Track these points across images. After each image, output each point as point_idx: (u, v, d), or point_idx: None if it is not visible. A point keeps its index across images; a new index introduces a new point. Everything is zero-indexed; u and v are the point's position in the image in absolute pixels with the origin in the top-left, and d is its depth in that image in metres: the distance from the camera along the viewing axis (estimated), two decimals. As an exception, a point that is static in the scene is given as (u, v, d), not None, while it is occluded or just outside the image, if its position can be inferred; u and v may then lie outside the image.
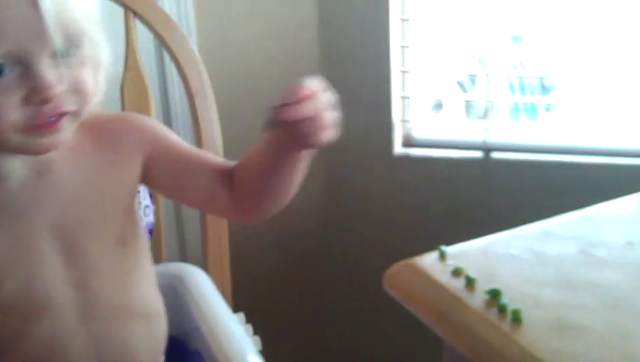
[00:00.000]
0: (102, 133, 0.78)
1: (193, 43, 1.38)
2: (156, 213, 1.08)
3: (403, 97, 1.54)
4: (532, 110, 1.80)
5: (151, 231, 1.06)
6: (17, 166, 0.72)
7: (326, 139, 0.73)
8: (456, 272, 0.84)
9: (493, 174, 1.48)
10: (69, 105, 0.68)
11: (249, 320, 1.04)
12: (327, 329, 1.66)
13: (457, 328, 0.79)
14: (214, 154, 1.13)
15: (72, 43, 0.67)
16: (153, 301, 0.85)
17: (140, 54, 1.11)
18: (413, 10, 1.49)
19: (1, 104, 0.64)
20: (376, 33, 1.46)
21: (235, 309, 1.07)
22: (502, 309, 0.78)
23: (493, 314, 0.78)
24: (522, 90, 1.83)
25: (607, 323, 0.75)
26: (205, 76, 1.12)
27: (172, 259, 1.27)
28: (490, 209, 1.43)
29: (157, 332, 0.85)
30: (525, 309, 0.77)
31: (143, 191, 1.02)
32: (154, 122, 0.85)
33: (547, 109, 1.76)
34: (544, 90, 1.82)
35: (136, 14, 1.09)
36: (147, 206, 1.04)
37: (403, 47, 1.51)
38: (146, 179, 0.82)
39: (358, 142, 1.53)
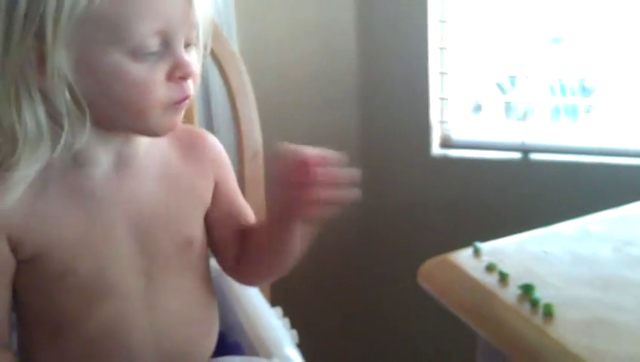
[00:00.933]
0: (182, 139, 0.82)
1: (234, 44, 1.42)
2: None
3: (441, 98, 1.55)
4: (572, 112, 1.79)
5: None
6: (102, 155, 0.75)
7: (314, 214, 0.73)
8: (490, 268, 0.86)
9: (531, 175, 1.48)
10: (193, 91, 0.74)
11: (286, 314, 1.06)
12: (362, 324, 1.68)
13: (490, 322, 0.80)
14: (254, 153, 1.17)
15: (195, 41, 0.73)
16: (210, 297, 0.88)
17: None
18: (452, 11, 1.50)
19: (151, 79, 0.70)
20: (414, 34, 1.48)
21: (273, 304, 1.10)
22: (534, 304, 0.79)
23: (525, 309, 0.79)
24: (563, 92, 1.83)
25: (636, 315, 0.75)
26: (246, 77, 1.15)
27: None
28: (528, 209, 1.43)
29: (211, 326, 0.89)
30: (557, 304, 0.78)
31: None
32: (224, 151, 0.88)
33: (588, 111, 1.75)
34: (585, 92, 1.81)
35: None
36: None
37: (441, 48, 1.52)
38: None
39: (397, 142, 1.55)
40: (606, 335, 0.74)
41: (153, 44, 0.69)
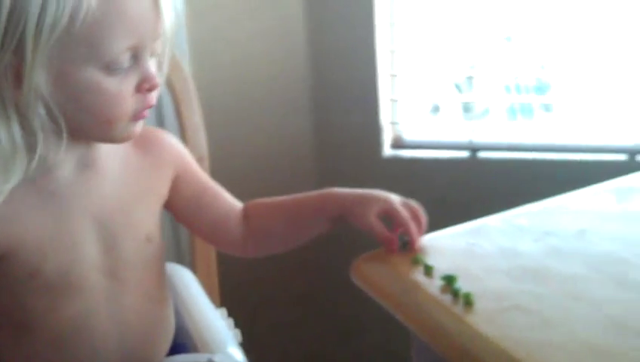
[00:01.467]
0: (142, 139, 0.85)
1: (184, 48, 1.44)
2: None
3: (392, 100, 1.58)
4: (528, 110, 1.83)
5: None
6: (67, 158, 0.78)
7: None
8: (416, 261, 0.88)
9: (478, 173, 1.51)
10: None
11: (231, 314, 1.08)
12: (308, 324, 1.71)
13: (415, 313, 0.83)
14: (199, 157, 1.19)
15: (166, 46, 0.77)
16: (167, 293, 0.93)
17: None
18: (401, 14, 1.53)
19: (123, 92, 0.73)
20: (363, 37, 1.51)
21: (221, 305, 1.12)
22: (455, 294, 0.81)
23: (447, 299, 0.82)
24: (518, 90, 1.86)
25: (550, 302, 0.78)
26: (190, 82, 1.18)
27: (169, 260, 1.32)
28: (477, 207, 1.46)
29: (169, 321, 0.93)
30: (478, 294, 0.81)
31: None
32: (182, 145, 0.94)
33: (545, 109, 1.78)
34: (540, 90, 1.85)
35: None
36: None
37: (391, 51, 1.55)
38: (169, 197, 0.90)
39: (349, 144, 1.58)
40: (522, 323, 0.76)
41: (125, 59, 0.72)
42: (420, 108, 1.71)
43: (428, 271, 0.86)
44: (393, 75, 1.57)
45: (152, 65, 0.76)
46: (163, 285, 0.91)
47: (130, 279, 0.85)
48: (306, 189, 1.63)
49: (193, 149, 1.17)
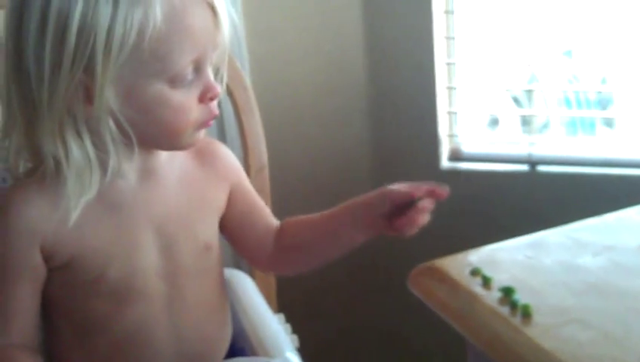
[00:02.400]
0: (197, 150, 0.87)
1: (245, 62, 1.47)
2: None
3: (450, 112, 1.58)
4: (589, 125, 1.81)
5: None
6: (127, 169, 0.80)
7: (411, 233, 0.86)
8: (474, 272, 0.89)
9: (538, 187, 1.50)
10: None
11: (289, 320, 1.10)
12: (363, 331, 1.72)
13: (473, 324, 0.84)
14: (260, 167, 1.21)
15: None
16: (224, 300, 0.94)
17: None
18: (460, 26, 1.54)
19: (188, 103, 0.76)
20: (421, 49, 1.52)
21: (278, 310, 1.14)
22: (513, 306, 0.82)
23: (505, 311, 0.82)
24: (579, 104, 1.84)
25: (610, 317, 0.78)
26: (251, 93, 1.20)
27: (226, 266, 1.35)
28: (534, 222, 1.45)
29: (225, 327, 0.94)
30: (536, 306, 0.81)
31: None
32: (237, 159, 0.96)
33: (607, 124, 1.76)
34: (601, 104, 1.82)
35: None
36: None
37: (449, 63, 1.56)
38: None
39: (406, 155, 1.58)
40: (583, 338, 0.76)
41: (189, 71, 0.75)
42: (479, 120, 1.70)
43: (486, 282, 0.87)
44: (451, 88, 1.57)
45: (211, 75, 0.78)
46: (221, 293, 0.93)
47: (188, 286, 0.86)
48: (362, 199, 1.65)
49: (254, 159, 1.20)
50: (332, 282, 1.65)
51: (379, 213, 0.86)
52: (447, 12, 1.52)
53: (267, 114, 1.22)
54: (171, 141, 0.79)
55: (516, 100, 1.81)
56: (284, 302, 1.22)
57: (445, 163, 1.58)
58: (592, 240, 0.94)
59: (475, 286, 0.87)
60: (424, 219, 0.85)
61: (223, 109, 1.46)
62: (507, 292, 0.84)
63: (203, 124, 0.80)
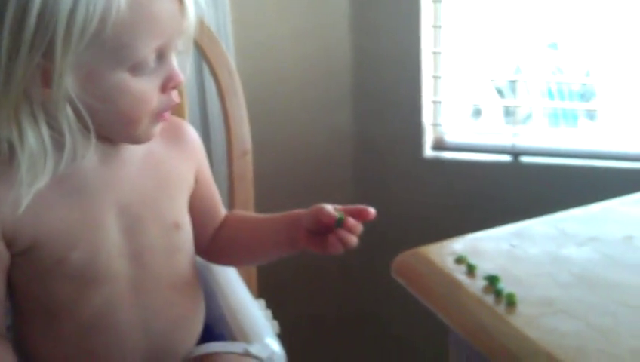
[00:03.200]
0: (165, 129, 0.85)
1: (230, 48, 1.46)
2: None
3: (434, 102, 1.58)
4: (572, 117, 1.81)
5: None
6: (87, 152, 0.78)
7: (337, 252, 0.85)
8: (459, 260, 0.88)
9: (520, 178, 1.50)
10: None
11: (269, 306, 1.09)
12: (347, 318, 1.73)
13: (457, 311, 0.83)
14: (243, 152, 1.20)
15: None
16: (195, 279, 0.93)
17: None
18: (446, 16, 1.53)
19: (148, 94, 0.74)
20: (407, 39, 1.51)
21: (259, 296, 1.13)
22: (498, 294, 0.81)
23: (489, 299, 0.81)
24: (561, 96, 1.85)
25: (595, 308, 0.78)
26: (236, 77, 1.19)
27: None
28: (517, 211, 1.45)
29: (197, 307, 0.93)
30: (521, 295, 0.81)
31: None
32: (198, 136, 0.94)
33: (589, 116, 1.77)
34: (584, 97, 1.83)
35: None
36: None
37: (435, 53, 1.55)
38: None
39: (390, 144, 1.58)
40: (567, 328, 0.76)
41: (152, 59, 0.73)
42: (463, 110, 1.70)
43: (471, 270, 0.86)
44: (436, 77, 1.57)
45: (175, 62, 0.77)
46: (192, 274, 0.91)
47: (156, 266, 0.85)
48: (345, 188, 1.65)
49: (237, 143, 1.19)
50: (314, 268, 1.65)
51: (306, 229, 0.86)
52: (434, 0, 1.51)
53: (251, 100, 1.21)
54: (128, 131, 0.77)
55: (499, 91, 1.82)
56: (265, 288, 1.21)
57: (429, 152, 1.58)
58: (578, 230, 0.94)
59: (460, 274, 0.87)
60: (352, 239, 0.85)
61: (207, 92, 1.45)
62: (492, 280, 0.83)
63: (160, 115, 0.78)
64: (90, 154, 0.78)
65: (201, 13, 0.78)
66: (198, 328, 0.93)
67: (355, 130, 1.60)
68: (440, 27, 1.54)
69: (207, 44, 1.18)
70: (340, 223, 0.84)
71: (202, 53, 1.19)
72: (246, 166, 1.20)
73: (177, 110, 1.17)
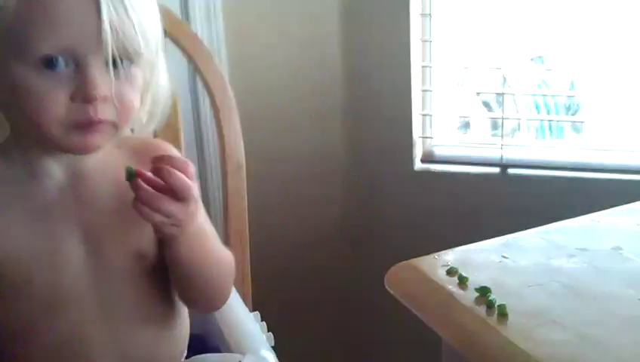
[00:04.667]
0: (137, 152, 0.82)
1: (224, 62, 1.47)
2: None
3: (424, 115, 1.60)
4: (558, 130, 1.84)
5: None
6: (55, 168, 0.77)
7: (153, 220, 0.74)
8: (451, 272, 0.90)
9: (509, 189, 1.53)
10: (110, 115, 0.73)
11: (264, 318, 1.10)
12: (341, 330, 1.74)
13: (449, 323, 0.85)
14: (237, 166, 1.21)
15: (127, 57, 0.72)
16: (172, 302, 0.88)
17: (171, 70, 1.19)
18: (436, 30, 1.56)
19: (51, 97, 0.70)
20: (397, 53, 1.53)
21: (254, 309, 1.14)
22: (490, 305, 0.83)
23: (481, 310, 0.83)
24: (547, 109, 1.87)
25: (585, 318, 0.80)
26: (230, 93, 1.20)
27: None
28: (506, 223, 1.47)
29: (177, 334, 0.89)
30: (512, 306, 0.83)
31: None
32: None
33: (575, 129, 1.80)
34: (569, 109, 1.86)
35: (165, 34, 1.18)
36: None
37: (424, 66, 1.57)
38: None
39: (380, 156, 1.60)
40: (557, 338, 0.78)
41: (58, 61, 0.70)
42: (452, 123, 1.73)
43: (462, 282, 0.88)
44: (426, 90, 1.59)
45: (105, 76, 0.71)
46: (168, 297, 0.87)
47: (124, 292, 0.82)
48: (337, 201, 1.67)
49: (232, 158, 1.20)
50: (308, 281, 1.66)
51: None
52: (423, 15, 1.53)
53: (244, 114, 1.22)
54: (41, 136, 0.73)
55: (486, 104, 1.84)
56: (259, 301, 1.22)
57: (419, 165, 1.60)
58: (567, 242, 0.96)
59: (452, 285, 0.88)
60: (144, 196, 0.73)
61: (200, 107, 1.47)
62: (483, 292, 0.85)
63: (79, 126, 0.72)
64: (55, 171, 0.77)
65: (154, 27, 0.75)
66: (180, 349, 0.91)
67: (345, 143, 1.61)
68: (429, 41, 1.56)
69: (201, 60, 1.19)
70: (131, 177, 0.73)
71: (196, 69, 1.20)
72: (240, 181, 1.21)
73: (171, 124, 1.19)
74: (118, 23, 0.70)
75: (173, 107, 1.18)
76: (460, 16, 1.56)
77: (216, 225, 1.53)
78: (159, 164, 0.74)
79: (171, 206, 0.74)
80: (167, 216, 0.74)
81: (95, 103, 0.71)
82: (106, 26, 0.70)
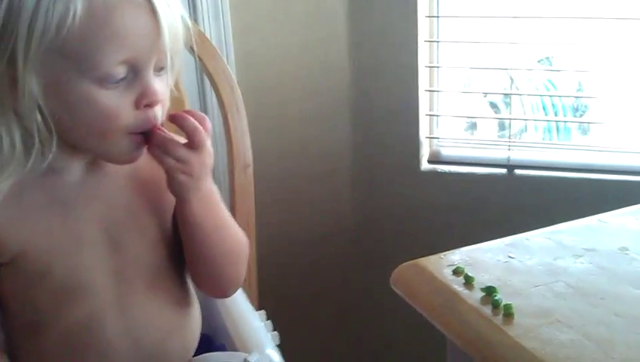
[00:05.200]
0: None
1: (232, 62, 1.48)
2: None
3: (430, 115, 1.60)
4: (565, 131, 1.84)
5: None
6: (74, 163, 0.79)
7: (166, 164, 0.77)
8: (457, 271, 0.90)
9: (515, 190, 1.53)
10: (160, 118, 0.76)
11: (270, 317, 1.10)
12: (346, 329, 1.74)
13: (455, 322, 0.85)
14: (245, 165, 1.22)
15: (171, 61, 0.76)
16: (186, 295, 0.91)
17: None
18: (443, 31, 1.56)
19: (118, 106, 0.73)
20: (404, 53, 1.53)
21: (260, 308, 1.14)
22: (496, 305, 0.83)
23: (487, 310, 0.83)
24: (555, 111, 1.87)
25: (592, 318, 0.80)
26: (238, 92, 1.20)
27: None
28: (513, 223, 1.47)
29: (192, 322, 0.91)
30: (518, 306, 0.83)
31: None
32: None
33: (582, 130, 1.80)
34: (577, 111, 1.86)
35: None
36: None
37: (431, 67, 1.57)
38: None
39: (387, 157, 1.60)
40: (564, 338, 0.78)
41: (119, 72, 0.72)
42: (459, 124, 1.73)
43: (468, 281, 0.88)
44: (433, 91, 1.59)
45: (155, 80, 0.75)
46: (183, 288, 0.90)
47: (140, 282, 0.84)
48: (343, 200, 1.67)
49: (239, 157, 1.20)
50: (314, 280, 1.66)
51: None
52: (430, 15, 1.53)
53: (251, 112, 1.23)
54: (100, 145, 0.76)
55: (494, 105, 1.84)
56: (265, 299, 1.22)
57: (425, 165, 1.60)
58: (574, 242, 0.96)
59: (457, 285, 0.89)
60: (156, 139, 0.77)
61: (208, 106, 1.47)
62: (489, 291, 0.85)
63: (138, 134, 0.76)
64: (74, 167, 0.79)
65: (183, 27, 0.77)
66: (192, 340, 0.92)
67: (352, 143, 1.62)
68: (436, 42, 1.56)
69: (208, 58, 1.19)
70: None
71: (204, 67, 1.20)
72: (248, 179, 1.21)
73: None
74: (170, 29, 0.74)
75: (182, 106, 1.20)
76: (467, 16, 1.56)
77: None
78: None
79: (184, 150, 0.77)
80: (180, 160, 0.77)
81: (156, 108, 0.75)
82: (167, 36, 0.73)
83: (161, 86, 0.76)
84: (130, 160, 0.78)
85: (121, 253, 0.82)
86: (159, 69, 0.76)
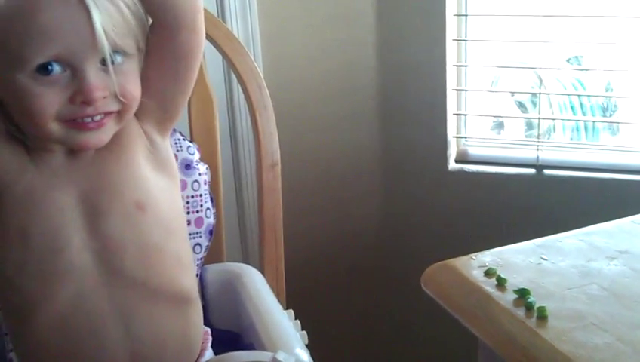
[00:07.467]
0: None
1: (259, 62, 1.48)
2: (217, 216, 1.16)
3: (457, 115, 1.59)
4: (593, 131, 1.82)
5: (211, 232, 1.14)
6: (56, 147, 0.79)
7: None
8: (489, 273, 0.89)
9: (544, 190, 1.51)
10: (112, 106, 0.76)
11: (298, 316, 1.10)
12: (373, 329, 1.74)
13: (487, 324, 0.84)
14: (272, 164, 1.21)
15: (122, 51, 0.75)
16: (185, 287, 0.87)
17: (207, 70, 1.20)
18: (471, 30, 1.55)
19: (45, 97, 0.73)
20: (432, 53, 1.52)
21: (287, 307, 1.14)
22: (529, 307, 0.82)
23: (520, 312, 0.83)
24: (583, 110, 1.85)
25: (626, 321, 0.79)
26: (265, 91, 1.20)
27: (234, 260, 1.34)
28: (541, 224, 1.46)
29: (189, 318, 0.88)
30: (552, 308, 0.82)
31: (205, 195, 1.10)
32: None
33: (611, 130, 1.78)
34: (606, 111, 1.84)
35: (203, 33, 1.19)
36: (208, 208, 1.12)
37: (458, 66, 1.56)
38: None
39: (414, 157, 1.59)
40: (598, 342, 0.77)
41: (54, 68, 0.72)
42: (487, 123, 1.71)
43: (501, 283, 0.87)
44: (460, 90, 1.58)
45: (100, 74, 0.73)
46: (180, 280, 0.86)
47: (124, 263, 0.81)
48: (370, 200, 1.67)
49: (267, 156, 1.20)
50: (342, 280, 1.66)
51: None
52: (458, 14, 1.53)
53: (278, 113, 1.23)
54: (40, 133, 0.76)
55: (521, 105, 1.83)
56: (293, 299, 1.22)
57: (453, 165, 1.59)
58: (607, 244, 0.95)
59: (489, 286, 0.88)
60: None
61: (235, 105, 1.48)
62: (522, 293, 0.85)
63: (74, 125, 0.75)
64: (57, 149, 0.79)
65: (134, 9, 0.76)
66: (195, 340, 0.89)
67: (380, 143, 1.61)
68: (464, 41, 1.55)
69: (237, 57, 1.20)
70: None
71: (232, 66, 1.20)
72: (275, 178, 1.21)
73: (208, 123, 1.20)
74: (109, 23, 0.72)
75: (210, 106, 1.20)
76: (496, 15, 1.55)
77: (250, 223, 1.56)
78: None
79: None
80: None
81: (96, 105, 0.74)
82: (100, 31, 0.71)
83: (105, 80, 0.73)
84: (87, 148, 0.78)
85: (101, 227, 0.80)
86: (108, 62, 0.73)
